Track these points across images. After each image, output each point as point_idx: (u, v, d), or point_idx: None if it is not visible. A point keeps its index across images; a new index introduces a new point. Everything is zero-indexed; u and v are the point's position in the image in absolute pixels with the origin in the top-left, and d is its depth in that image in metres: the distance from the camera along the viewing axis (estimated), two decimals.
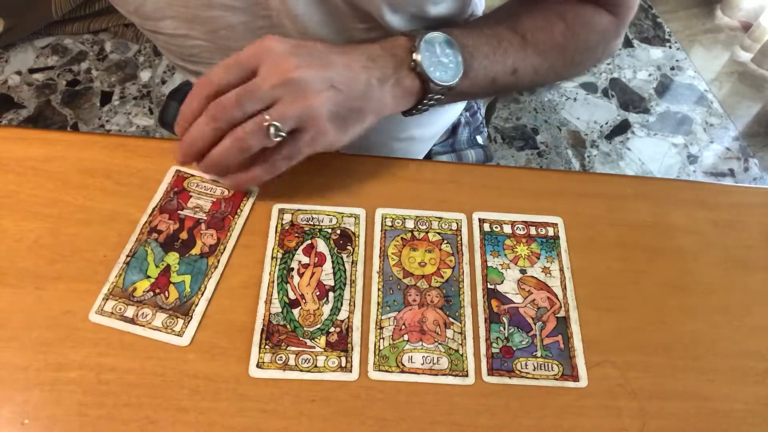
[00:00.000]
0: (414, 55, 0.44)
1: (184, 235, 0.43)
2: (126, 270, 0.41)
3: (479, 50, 0.47)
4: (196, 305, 0.40)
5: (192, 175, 0.46)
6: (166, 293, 0.41)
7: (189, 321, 0.40)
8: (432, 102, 0.47)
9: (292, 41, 0.41)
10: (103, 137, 0.48)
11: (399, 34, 0.46)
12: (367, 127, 0.44)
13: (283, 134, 0.39)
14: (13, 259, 0.41)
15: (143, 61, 1.51)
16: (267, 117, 0.39)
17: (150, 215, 0.44)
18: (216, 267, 0.42)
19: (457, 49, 0.46)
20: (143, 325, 0.39)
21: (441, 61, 0.45)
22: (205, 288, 0.41)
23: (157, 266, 0.42)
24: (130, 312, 0.40)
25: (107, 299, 0.40)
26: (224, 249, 0.43)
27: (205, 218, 0.44)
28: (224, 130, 0.40)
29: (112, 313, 0.40)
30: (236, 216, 0.44)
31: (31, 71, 1.46)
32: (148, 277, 0.41)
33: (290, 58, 0.40)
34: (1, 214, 0.43)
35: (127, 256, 0.42)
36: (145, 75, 1.49)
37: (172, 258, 0.42)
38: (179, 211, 0.44)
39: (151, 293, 0.41)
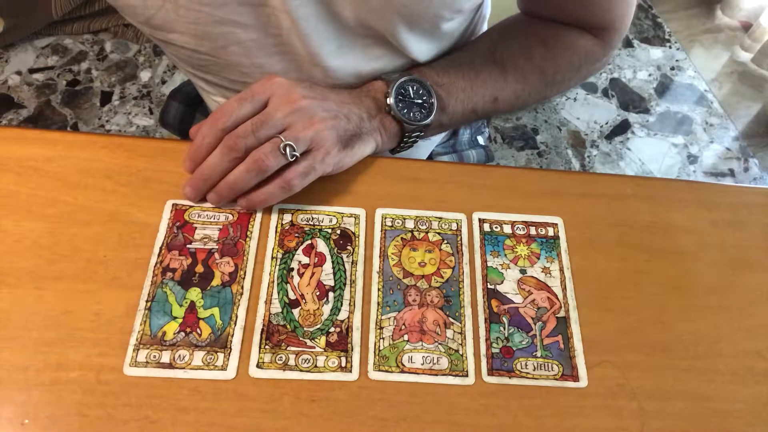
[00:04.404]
0: (387, 100, 0.48)
1: (200, 269, 0.42)
2: (149, 315, 0.40)
3: (455, 86, 0.51)
4: (233, 335, 0.40)
5: (191, 206, 0.45)
6: (198, 330, 0.40)
7: (229, 353, 0.39)
8: (413, 138, 0.51)
9: (294, 79, 0.46)
10: (103, 137, 0.48)
11: (376, 79, 0.50)
12: (371, 151, 0.48)
13: (297, 154, 0.42)
14: (13, 259, 0.41)
15: (143, 61, 1.51)
16: (282, 138, 0.42)
17: (159, 255, 0.42)
18: (242, 294, 0.41)
19: (431, 90, 0.50)
20: (183, 368, 0.38)
21: (415, 102, 0.49)
22: (237, 317, 0.40)
23: (180, 305, 0.41)
24: (165, 357, 0.39)
25: (138, 349, 0.39)
26: (245, 274, 0.42)
27: (217, 247, 0.43)
28: (240, 159, 0.43)
29: (147, 362, 0.38)
30: (248, 239, 0.44)
31: (31, 71, 1.46)
32: (175, 318, 0.40)
33: (297, 89, 0.44)
34: (1, 214, 0.43)
35: (147, 301, 0.40)
36: (145, 75, 1.49)
37: (195, 294, 0.41)
38: (188, 245, 0.43)
39: (183, 333, 0.40)
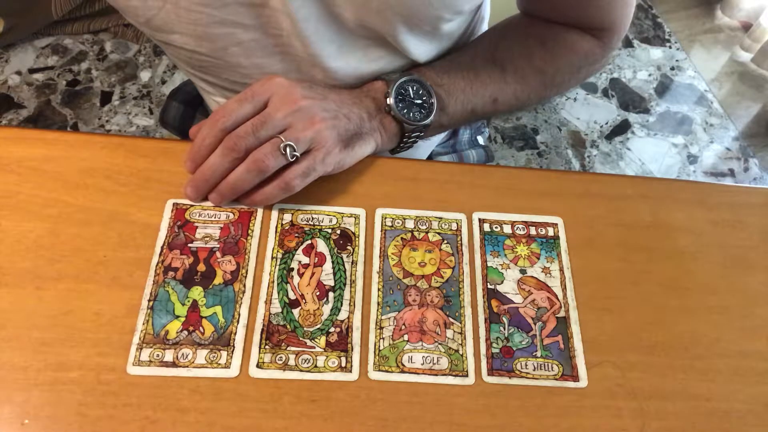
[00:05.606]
0: (387, 100, 0.48)
1: (201, 268, 0.42)
2: (152, 315, 0.40)
3: (455, 86, 0.51)
4: (235, 334, 0.40)
5: (192, 205, 0.45)
6: (201, 329, 0.40)
7: (233, 351, 0.39)
8: (413, 139, 0.51)
9: (294, 79, 0.46)
10: (103, 137, 0.48)
11: (376, 79, 0.50)
12: (371, 151, 0.48)
13: (297, 155, 0.42)
14: (13, 259, 0.41)
15: (143, 61, 1.51)
16: (282, 138, 0.42)
17: (160, 254, 0.42)
18: (244, 292, 0.41)
19: (431, 90, 0.50)
20: (186, 366, 0.38)
21: (415, 103, 0.49)
22: (239, 315, 0.41)
23: (183, 304, 0.41)
24: (169, 356, 0.39)
25: (141, 348, 0.39)
26: (246, 273, 0.42)
27: (219, 245, 0.43)
28: (241, 160, 0.43)
29: (150, 361, 0.38)
30: (249, 237, 0.44)
31: (31, 71, 1.46)
32: (177, 317, 0.40)
33: (297, 89, 0.44)
34: (1, 214, 0.43)
35: (149, 300, 0.40)
36: (145, 75, 1.49)
37: (197, 293, 0.41)
38: (189, 244, 0.43)
39: (186, 332, 0.40)
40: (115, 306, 0.40)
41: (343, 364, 0.40)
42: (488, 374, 0.40)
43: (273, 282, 0.42)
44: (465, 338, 0.41)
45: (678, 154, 1.50)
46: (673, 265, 0.46)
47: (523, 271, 0.45)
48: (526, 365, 0.41)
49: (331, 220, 0.45)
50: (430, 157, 0.70)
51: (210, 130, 0.43)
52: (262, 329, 0.40)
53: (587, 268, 0.45)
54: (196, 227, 0.44)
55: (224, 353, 0.39)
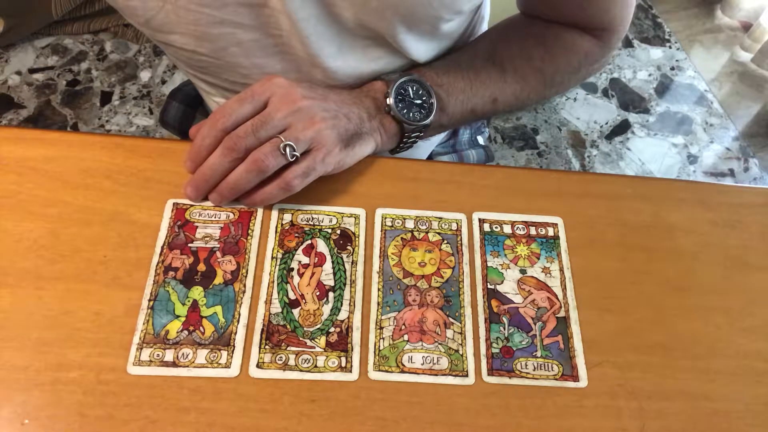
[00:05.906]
0: (387, 100, 0.48)
1: (201, 267, 0.42)
2: (152, 314, 0.40)
3: (455, 86, 0.51)
4: (236, 333, 0.40)
5: (192, 205, 0.45)
6: (201, 329, 0.40)
7: (233, 351, 0.39)
8: (413, 139, 0.51)
9: (294, 79, 0.46)
10: (103, 137, 0.48)
11: (376, 79, 0.51)
12: (371, 151, 0.48)
13: (297, 154, 0.42)
14: (13, 259, 0.41)
15: (143, 61, 1.51)
16: (282, 138, 0.42)
17: (160, 254, 0.42)
18: (244, 292, 0.41)
19: (431, 90, 0.50)
20: (187, 366, 0.38)
21: (414, 103, 0.49)
22: (240, 315, 0.41)
23: (183, 304, 0.41)
24: (169, 356, 0.39)
25: (141, 348, 0.39)
26: (247, 273, 0.42)
27: (219, 245, 0.43)
28: (241, 160, 0.43)
29: (150, 361, 0.38)
30: (249, 237, 0.44)
31: (31, 71, 1.46)
32: (177, 316, 0.40)
33: (297, 89, 0.44)
34: (1, 214, 0.43)
35: (149, 300, 0.40)
36: (145, 75, 1.49)
37: (197, 292, 0.41)
38: (189, 244, 0.43)
39: (186, 332, 0.40)
40: (115, 306, 0.40)
41: (343, 364, 0.40)
42: (488, 374, 0.40)
43: (273, 282, 0.42)
44: (465, 338, 0.41)
45: (678, 154, 1.50)
46: (673, 265, 0.46)
47: (523, 271, 0.45)
48: (526, 365, 0.41)
49: (331, 220, 0.45)
50: (430, 157, 0.70)
51: (210, 130, 0.43)
52: (262, 329, 0.40)
53: (587, 268, 0.45)
54: (197, 227, 0.44)
55: (224, 353, 0.39)
